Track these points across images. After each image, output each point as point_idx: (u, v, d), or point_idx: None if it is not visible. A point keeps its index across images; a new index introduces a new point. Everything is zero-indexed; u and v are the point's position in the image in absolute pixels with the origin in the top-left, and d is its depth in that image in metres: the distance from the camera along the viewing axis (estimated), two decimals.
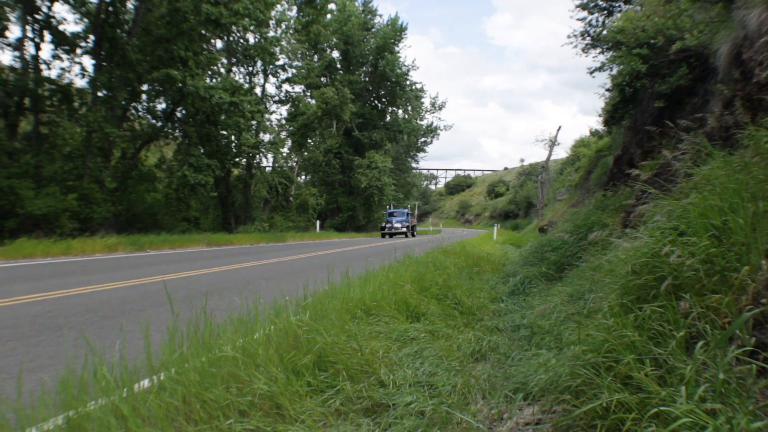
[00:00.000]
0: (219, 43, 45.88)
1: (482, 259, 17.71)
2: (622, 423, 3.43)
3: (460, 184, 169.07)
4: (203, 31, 35.25)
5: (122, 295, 10.63)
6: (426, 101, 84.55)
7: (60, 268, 16.38)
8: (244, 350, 4.81)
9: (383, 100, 73.52)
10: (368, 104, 71.11)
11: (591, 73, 17.72)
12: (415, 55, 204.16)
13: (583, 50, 18.37)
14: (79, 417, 3.57)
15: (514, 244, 34.39)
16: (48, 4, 29.74)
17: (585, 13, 18.44)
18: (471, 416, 4.47)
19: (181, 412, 3.94)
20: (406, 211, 59.40)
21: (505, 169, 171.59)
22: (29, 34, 29.29)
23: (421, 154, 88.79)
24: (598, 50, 17.91)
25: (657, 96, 14.70)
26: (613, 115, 19.87)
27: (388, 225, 54.57)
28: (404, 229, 54.68)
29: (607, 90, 20.45)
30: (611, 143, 27.51)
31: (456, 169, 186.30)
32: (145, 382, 4.20)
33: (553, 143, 56.40)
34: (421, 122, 79.27)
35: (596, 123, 53.05)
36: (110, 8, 30.26)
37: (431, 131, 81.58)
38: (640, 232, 5.59)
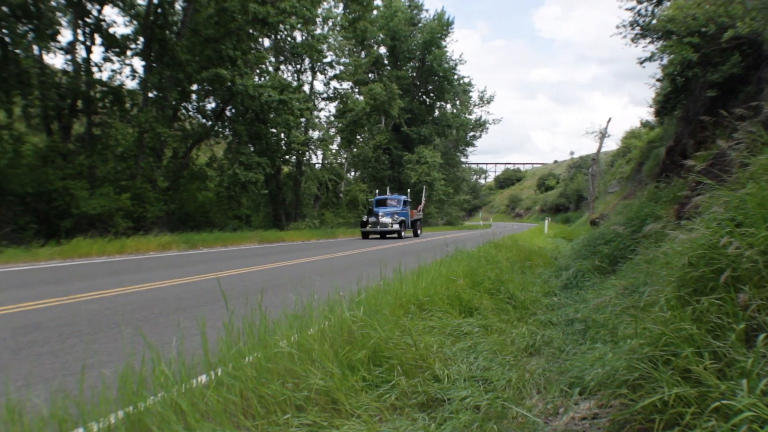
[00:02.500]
0: (267, 42, 46.19)
1: (534, 253, 17.59)
2: (681, 417, 3.35)
3: (509, 178, 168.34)
4: (251, 30, 35.48)
5: (177, 293, 10.78)
6: (474, 95, 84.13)
7: (115, 266, 16.56)
8: (299, 346, 4.84)
9: (431, 94, 73.22)
10: (416, 99, 70.77)
11: (641, 63, 17.45)
12: (463, 49, 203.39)
13: (632, 40, 18.08)
14: (139, 412, 3.62)
15: (566, 238, 34.20)
16: (98, 7, 30.20)
17: (634, 3, 18.12)
18: (526, 411, 4.41)
19: (238, 407, 3.98)
20: (402, 198, 41.70)
21: (555, 162, 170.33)
22: (80, 38, 29.78)
23: (470, 149, 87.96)
24: (648, 40, 17.60)
25: (709, 85, 14.44)
26: (664, 105, 19.57)
27: (372, 219, 37.60)
28: (396, 226, 37.39)
29: (658, 80, 20.11)
30: (663, 134, 27.13)
31: (505, 163, 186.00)
32: (203, 378, 4.30)
33: (603, 135, 55.35)
34: (470, 116, 78.49)
35: (647, 114, 52.17)
36: (159, 10, 30.59)
37: (480, 125, 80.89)
38: (696, 223, 5.46)
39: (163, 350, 4.34)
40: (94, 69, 30.78)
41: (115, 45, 31.58)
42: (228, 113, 39.59)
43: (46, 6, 24.39)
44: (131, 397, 3.74)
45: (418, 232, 43.89)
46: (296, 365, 4.53)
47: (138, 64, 33.20)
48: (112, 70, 33.48)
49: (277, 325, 5.38)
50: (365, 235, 37.76)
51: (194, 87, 37.22)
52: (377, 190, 51.00)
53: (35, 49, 26.45)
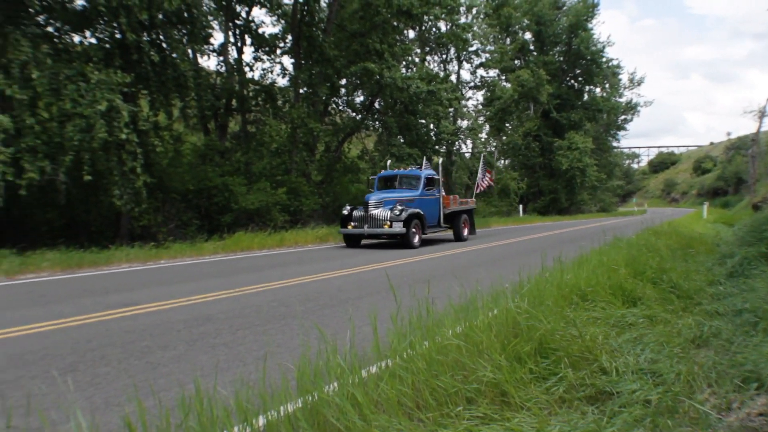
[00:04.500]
0: (411, 33, 45.80)
1: (694, 239, 16.86)
2: None
3: (663, 162, 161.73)
4: (396, 23, 34.87)
5: (338, 284, 11.07)
6: (624, 77, 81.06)
7: (276, 259, 16.95)
8: (466, 337, 4.87)
9: (579, 79, 69.99)
10: (564, 84, 67.83)
11: None
12: (610, 30, 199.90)
13: None
14: (316, 402, 3.73)
15: (726, 223, 32.33)
16: (246, 9, 30.77)
17: None
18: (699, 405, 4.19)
19: (410, 399, 3.99)
20: (423, 174, 23.19)
21: (711, 143, 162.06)
22: (231, 39, 30.51)
23: (621, 133, 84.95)
24: None
25: None
26: None
27: (358, 213, 21.08)
28: (399, 227, 19.87)
29: None
30: None
31: (658, 147, 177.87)
32: (373, 368, 4.38)
33: (762, 114, 51.63)
34: (620, 100, 75.44)
35: None
36: (305, 8, 30.59)
37: (631, 108, 77.52)
38: None
39: (326, 342, 4.35)
40: (246, 69, 31.52)
41: (265, 44, 32.03)
42: (377, 106, 39.33)
43: (198, 11, 24.73)
44: (309, 387, 3.84)
45: (464, 233, 24.40)
46: (465, 357, 4.54)
47: (287, 61, 33.83)
48: (263, 69, 34.36)
49: (443, 317, 5.53)
50: (349, 241, 21.85)
51: (343, 81, 37.17)
52: (389, 161, 30.34)
53: (190, 52, 27.01)
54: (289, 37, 32.13)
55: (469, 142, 51.38)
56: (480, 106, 55.49)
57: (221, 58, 30.17)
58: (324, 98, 34.50)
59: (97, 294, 10.45)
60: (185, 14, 22.76)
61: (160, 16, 21.20)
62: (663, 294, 8.05)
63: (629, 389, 4.30)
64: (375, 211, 20.44)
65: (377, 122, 40.88)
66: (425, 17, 36.61)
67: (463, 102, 49.73)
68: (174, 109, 25.90)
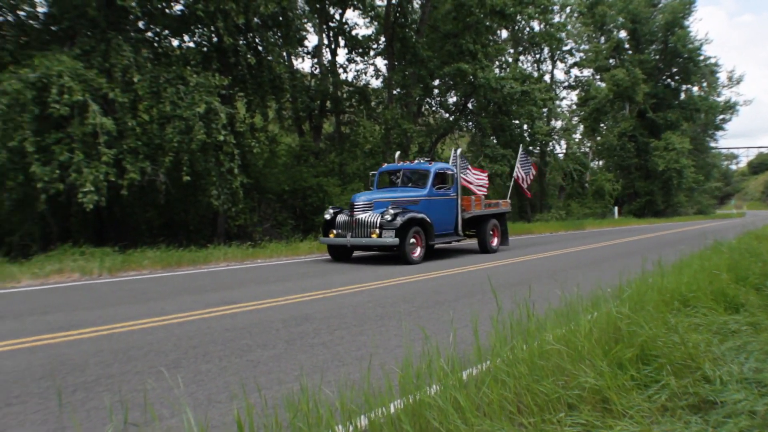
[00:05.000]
0: (504, 33, 45.28)
1: None
2: None
3: (764, 163, 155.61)
4: (489, 23, 34.41)
5: (433, 286, 11.07)
6: (722, 76, 78.42)
7: (371, 260, 16.77)
8: (566, 342, 4.81)
9: (676, 78, 67.38)
10: (660, 83, 65.36)
11: None
12: (707, 27, 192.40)
13: None
14: (418, 404, 3.69)
15: None
16: (340, 11, 30.96)
17: None
18: None
19: (512, 403, 3.94)
20: (433, 168, 17.46)
21: None
22: (325, 42, 30.72)
23: (719, 133, 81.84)
24: None
25: None
26: None
27: (342, 218, 16.00)
28: (389, 236, 14.87)
29: None
30: None
31: (758, 147, 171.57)
32: (472, 371, 4.38)
33: None
34: (718, 99, 72.26)
35: None
36: (398, 9, 30.43)
37: (729, 107, 74.28)
38: None
39: (427, 343, 4.47)
40: (340, 70, 31.87)
41: (359, 46, 32.34)
42: (470, 106, 38.91)
43: (293, 14, 24.92)
44: (411, 389, 3.82)
45: (493, 243, 19.14)
46: (566, 362, 4.49)
47: (381, 63, 33.99)
48: (357, 71, 34.61)
49: (543, 321, 5.52)
50: (334, 253, 16.95)
51: (436, 82, 37.04)
52: (397, 153, 22.94)
53: (285, 55, 27.23)
54: (383, 38, 32.17)
55: (563, 142, 50.34)
56: (574, 106, 54.37)
57: (315, 60, 30.54)
58: (417, 99, 34.45)
59: (197, 292, 10.60)
60: (280, 17, 22.97)
61: (256, 20, 21.38)
62: (767, 301, 7.61)
63: (734, 399, 4.11)
64: (362, 216, 15.63)
65: (471, 123, 40.62)
66: (518, 17, 35.93)
67: (557, 102, 48.78)
68: (270, 111, 26.16)
